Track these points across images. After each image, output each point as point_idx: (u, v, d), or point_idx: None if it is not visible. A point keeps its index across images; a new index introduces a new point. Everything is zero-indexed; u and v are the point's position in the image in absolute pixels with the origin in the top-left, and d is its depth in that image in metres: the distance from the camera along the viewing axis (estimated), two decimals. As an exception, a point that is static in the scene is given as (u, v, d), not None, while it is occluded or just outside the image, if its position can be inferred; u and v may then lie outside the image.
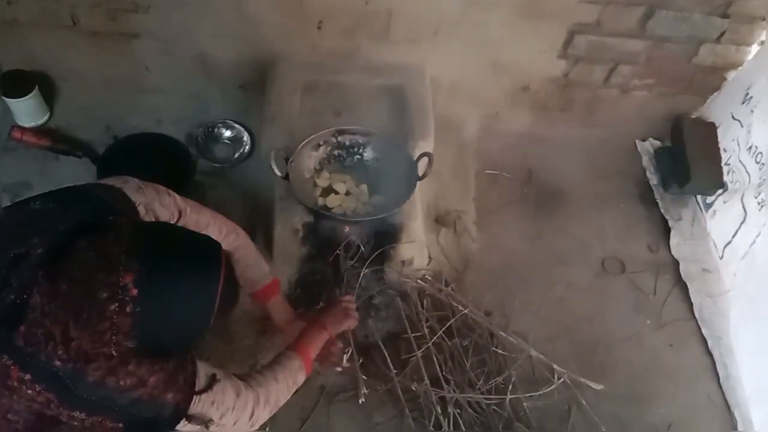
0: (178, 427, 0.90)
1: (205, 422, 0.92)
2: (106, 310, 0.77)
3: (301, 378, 1.21)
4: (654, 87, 2.07)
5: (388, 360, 1.53)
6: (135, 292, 0.78)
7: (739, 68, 1.98)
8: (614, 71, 2.00)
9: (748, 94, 1.92)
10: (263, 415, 1.06)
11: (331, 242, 1.66)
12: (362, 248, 1.68)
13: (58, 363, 0.76)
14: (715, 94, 2.08)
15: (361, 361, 1.53)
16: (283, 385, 1.13)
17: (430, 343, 1.55)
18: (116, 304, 0.77)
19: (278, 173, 1.54)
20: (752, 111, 1.88)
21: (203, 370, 0.93)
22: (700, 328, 1.80)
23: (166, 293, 0.82)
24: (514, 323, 1.69)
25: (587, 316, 1.78)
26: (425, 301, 1.68)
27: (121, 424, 0.84)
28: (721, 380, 1.71)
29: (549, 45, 1.91)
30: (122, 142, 1.88)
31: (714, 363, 1.74)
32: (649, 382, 1.68)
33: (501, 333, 1.62)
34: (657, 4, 1.77)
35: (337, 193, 1.69)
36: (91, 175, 1.80)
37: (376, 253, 1.65)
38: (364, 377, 1.49)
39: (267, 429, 1.43)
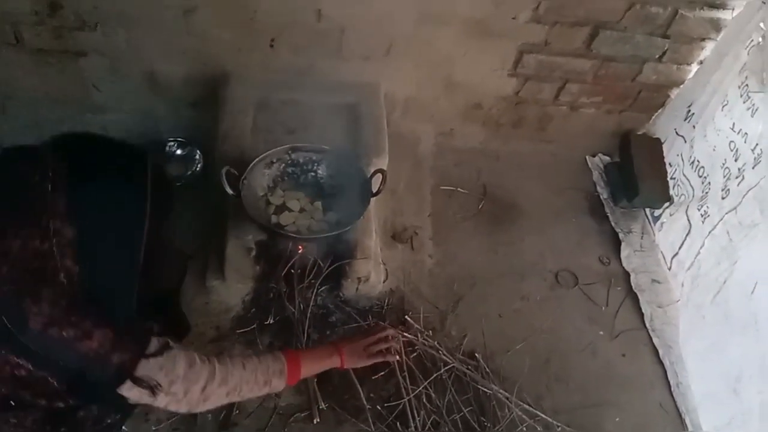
0: (123, 390, 0.90)
1: (152, 387, 0.91)
2: (39, 189, 0.81)
3: (277, 383, 1.15)
4: (602, 104, 2.13)
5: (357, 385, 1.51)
6: (66, 166, 0.84)
7: (681, 86, 2.06)
8: (563, 89, 2.06)
9: (690, 110, 2.00)
10: (218, 392, 1.02)
11: (285, 261, 1.64)
12: (321, 264, 1.66)
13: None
14: (660, 111, 2.16)
15: (316, 379, 1.51)
16: (250, 375, 1.09)
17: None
18: (49, 184, 0.81)
19: (229, 191, 1.52)
20: (694, 127, 1.96)
21: (157, 339, 0.93)
22: (651, 338, 1.83)
23: (97, 177, 0.87)
24: (470, 337, 1.71)
25: (542, 328, 1.79)
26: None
27: (64, 385, 0.84)
28: (672, 388, 1.74)
29: (500, 64, 1.95)
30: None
31: (665, 371, 1.77)
32: (603, 391, 1.70)
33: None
34: (601, 25, 1.84)
35: (291, 210, 1.68)
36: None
37: (330, 269, 1.64)
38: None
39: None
